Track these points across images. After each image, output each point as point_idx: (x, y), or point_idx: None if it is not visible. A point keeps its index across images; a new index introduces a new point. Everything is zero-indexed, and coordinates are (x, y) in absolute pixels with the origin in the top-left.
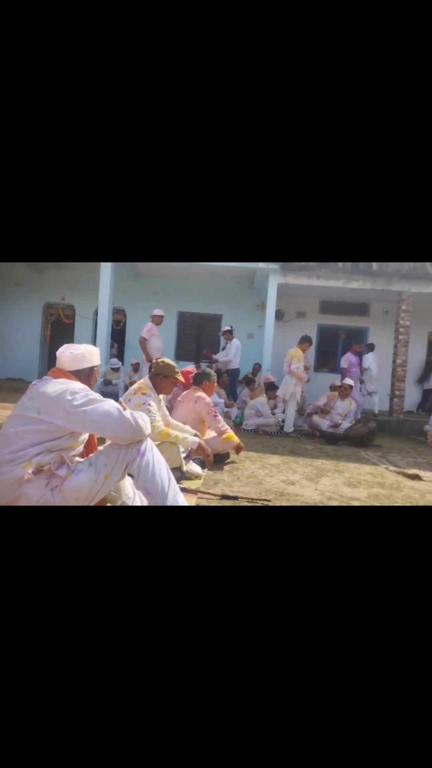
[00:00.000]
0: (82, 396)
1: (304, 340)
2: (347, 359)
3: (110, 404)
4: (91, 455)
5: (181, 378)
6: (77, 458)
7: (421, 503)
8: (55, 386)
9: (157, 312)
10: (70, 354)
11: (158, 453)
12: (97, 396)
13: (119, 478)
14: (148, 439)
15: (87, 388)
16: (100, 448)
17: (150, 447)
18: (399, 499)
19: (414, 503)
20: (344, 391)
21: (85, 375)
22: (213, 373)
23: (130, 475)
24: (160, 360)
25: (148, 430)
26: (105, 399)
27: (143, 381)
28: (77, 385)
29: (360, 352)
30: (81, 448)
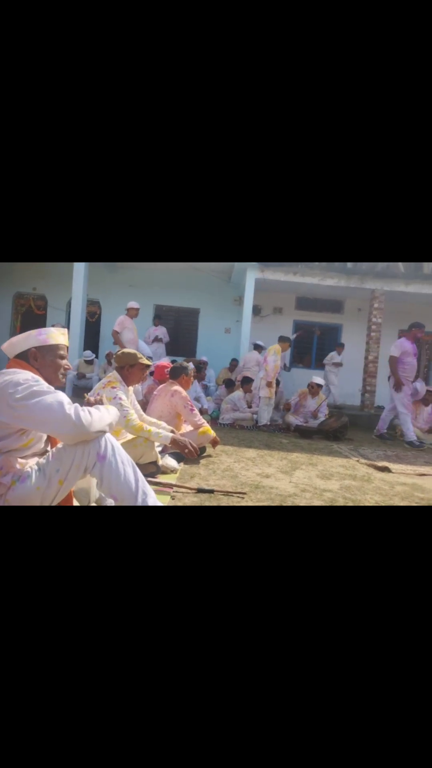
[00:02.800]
0: (25, 388)
1: (283, 340)
2: (400, 346)
3: (55, 397)
4: (40, 459)
5: (146, 362)
6: (26, 462)
7: (391, 495)
8: (1, 378)
9: (132, 304)
10: (10, 340)
11: (123, 453)
12: (44, 388)
13: (77, 480)
14: (109, 439)
15: (35, 378)
16: (53, 450)
17: (111, 448)
18: (369, 491)
19: (384, 494)
20: (313, 390)
21: (32, 360)
22: (190, 366)
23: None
24: (119, 352)
25: (97, 427)
26: (53, 391)
27: (112, 374)
28: (23, 376)
29: (419, 338)
30: (40, 445)
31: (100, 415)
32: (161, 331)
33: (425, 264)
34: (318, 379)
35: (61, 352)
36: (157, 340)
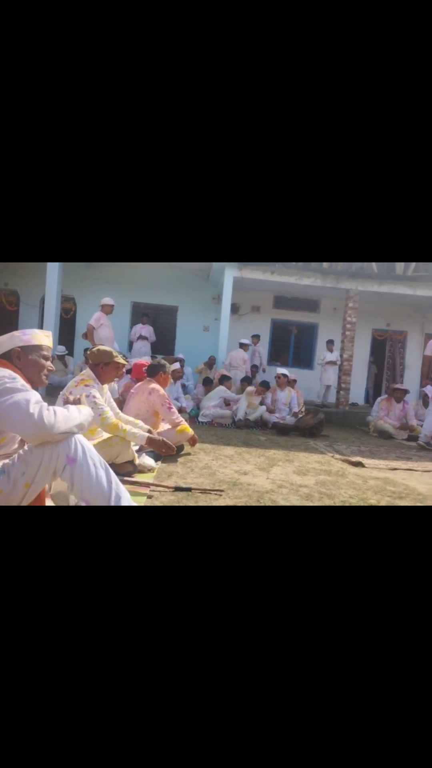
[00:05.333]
0: None
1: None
2: None
3: (24, 395)
4: (6, 461)
5: (121, 360)
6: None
7: (364, 489)
8: None
9: (107, 301)
10: None
11: (95, 454)
12: (18, 386)
13: (45, 483)
14: (79, 440)
15: (12, 376)
16: (20, 451)
17: (82, 450)
18: (344, 486)
19: (357, 489)
20: (280, 381)
21: (15, 359)
22: (168, 364)
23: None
24: (94, 349)
25: (61, 428)
26: (26, 389)
27: (85, 372)
28: (1, 373)
29: None
30: (13, 446)
31: (66, 416)
32: (147, 330)
33: (397, 265)
34: (282, 370)
35: (45, 353)
36: (141, 338)
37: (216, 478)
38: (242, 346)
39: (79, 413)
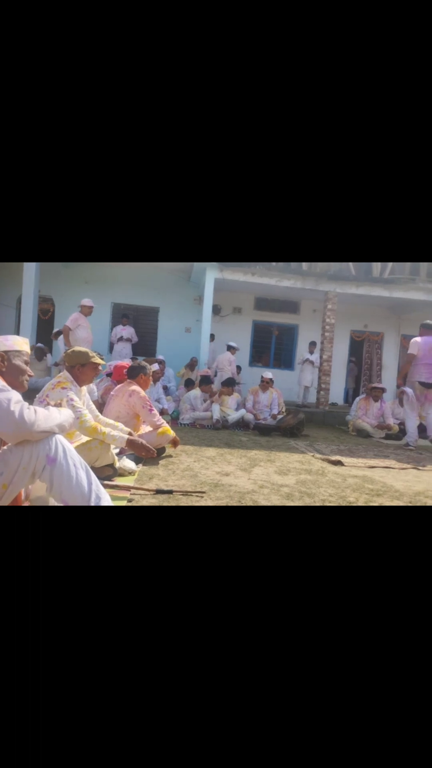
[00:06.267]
0: None
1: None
2: (422, 345)
3: (6, 395)
4: None
5: (99, 361)
6: None
7: (343, 487)
8: None
9: (86, 302)
10: None
11: (75, 455)
12: (0, 386)
13: (24, 485)
14: (60, 441)
15: None
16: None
17: (63, 450)
18: (324, 484)
19: (337, 487)
20: (263, 385)
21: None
22: (149, 366)
23: None
24: (70, 351)
25: (42, 426)
26: (6, 389)
27: (62, 374)
28: None
29: None
30: None
31: (46, 415)
32: (128, 331)
33: (374, 267)
34: (268, 374)
35: (25, 358)
36: (122, 339)
37: (198, 479)
38: (230, 348)
39: (60, 414)
